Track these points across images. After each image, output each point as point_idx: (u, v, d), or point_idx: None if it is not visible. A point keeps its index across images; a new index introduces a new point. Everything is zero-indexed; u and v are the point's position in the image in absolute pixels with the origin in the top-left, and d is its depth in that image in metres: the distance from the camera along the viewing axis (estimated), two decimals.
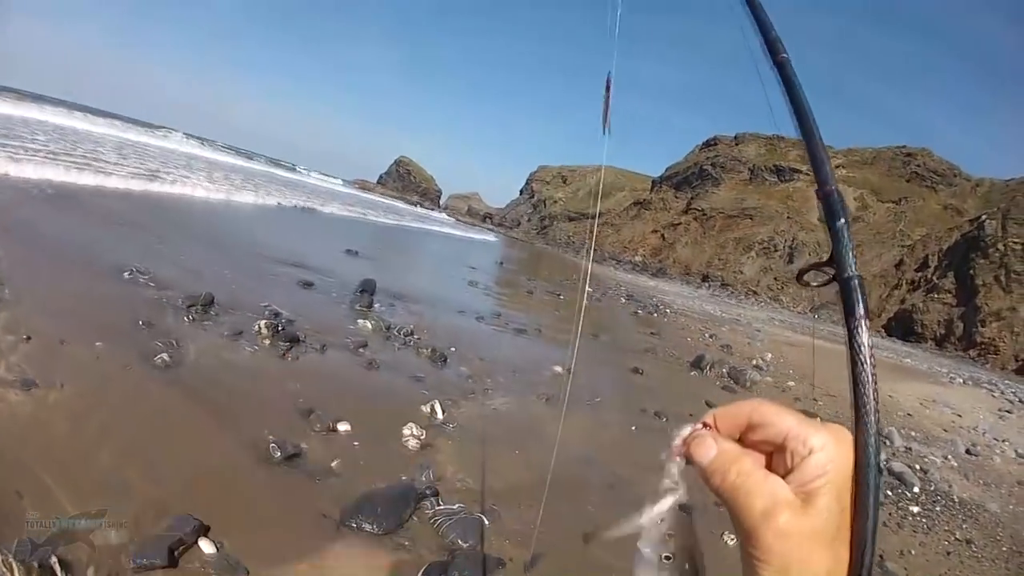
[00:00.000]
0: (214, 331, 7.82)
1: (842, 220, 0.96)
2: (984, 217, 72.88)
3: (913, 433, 12.43)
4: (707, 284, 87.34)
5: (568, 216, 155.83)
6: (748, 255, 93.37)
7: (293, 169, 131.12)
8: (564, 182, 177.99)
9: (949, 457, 11.01)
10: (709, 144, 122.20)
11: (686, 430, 0.82)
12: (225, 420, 5.66)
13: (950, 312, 67.65)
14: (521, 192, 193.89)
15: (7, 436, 4.39)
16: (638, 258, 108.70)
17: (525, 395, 8.82)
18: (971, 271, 68.28)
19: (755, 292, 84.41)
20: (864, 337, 0.83)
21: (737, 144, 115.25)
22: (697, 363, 14.48)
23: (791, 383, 14.85)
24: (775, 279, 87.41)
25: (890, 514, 7.70)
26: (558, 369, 10.71)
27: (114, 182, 18.51)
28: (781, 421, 0.77)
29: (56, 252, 9.08)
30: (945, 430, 13.74)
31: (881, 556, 6.33)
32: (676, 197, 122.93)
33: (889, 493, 8.39)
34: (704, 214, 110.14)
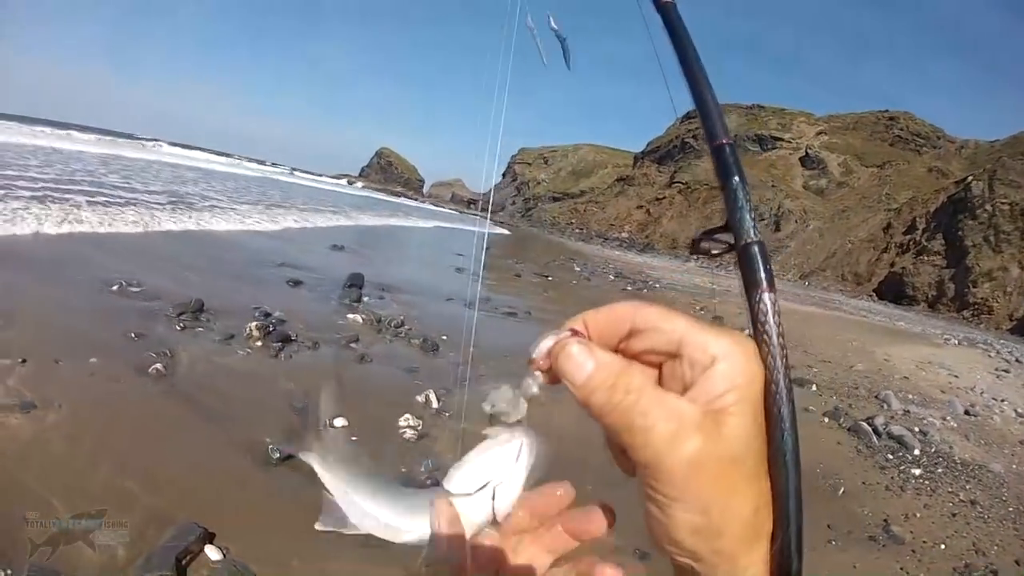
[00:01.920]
0: (206, 337, 7.82)
1: (736, 178, 0.79)
2: (970, 178, 73.20)
3: (910, 396, 12.39)
4: (695, 257, 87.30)
5: (552, 196, 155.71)
6: None
7: (291, 172, 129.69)
8: (545, 163, 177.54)
9: (948, 418, 11.01)
10: (689, 116, 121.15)
11: (548, 339, 0.65)
12: (222, 425, 5.69)
13: (940, 274, 67.97)
14: (504, 175, 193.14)
15: (9, 460, 4.42)
16: (624, 234, 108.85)
17: (519, 378, 8.80)
18: (960, 232, 68.49)
19: None
20: (770, 313, 0.69)
21: None
22: None
23: None
24: None
25: (892, 478, 7.71)
26: None
27: (164, 225, 16.36)
28: (671, 324, 0.63)
29: (45, 273, 9.05)
30: (943, 391, 13.70)
31: (886, 520, 6.36)
32: (659, 171, 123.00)
33: (890, 457, 8.39)
34: (688, 187, 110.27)
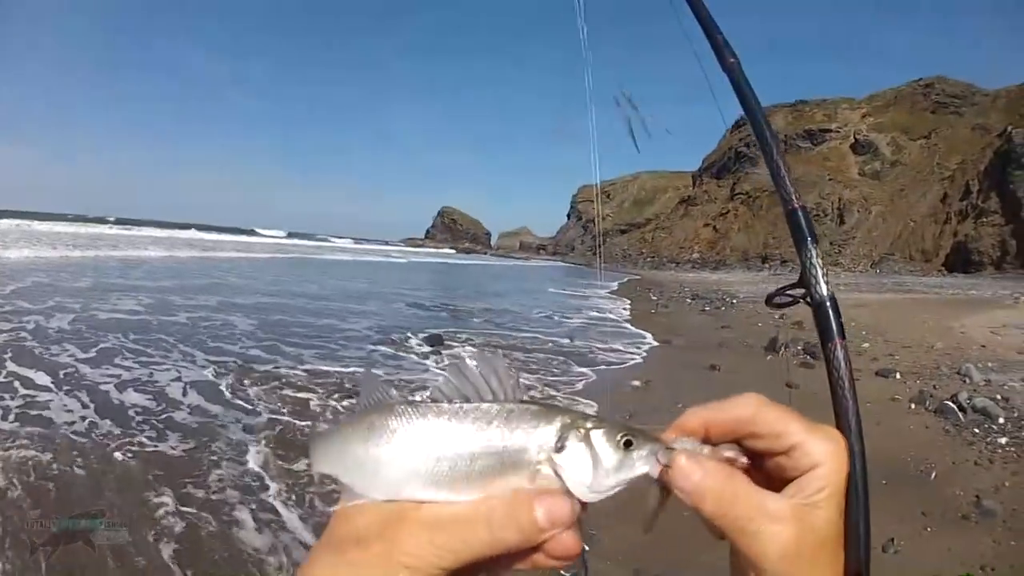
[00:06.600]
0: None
1: (809, 239, 0.94)
2: (1010, 128, 71.72)
3: (990, 364, 11.81)
4: (767, 265, 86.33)
5: (620, 230, 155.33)
6: None
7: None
8: (608, 197, 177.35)
9: None
10: (738, 125, 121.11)
11: (659, 449, 0.71)
12: None
13: (1001, 232, 66.31)
14: (568, 216, 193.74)
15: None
16: (695, 255, 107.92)
17: (608, 414, 8.79)
18: (1011, 185, 67.16)
19: None
20: (842, 362, 0.84)
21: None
22: (771, 346, 14.17)
23: (865, 344, 14.14)
24: (831, 243, 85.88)
25: (980, 452, 7.37)
26: (636, 383, 10.76)
27: None
28: (787, 429, 0.72)
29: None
30: (1019, 353, 13.07)
31: (977, 496, 6.07)
32: (719, 186, 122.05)
33: (976, 431, 8.03)
34: (749, 196, 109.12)
